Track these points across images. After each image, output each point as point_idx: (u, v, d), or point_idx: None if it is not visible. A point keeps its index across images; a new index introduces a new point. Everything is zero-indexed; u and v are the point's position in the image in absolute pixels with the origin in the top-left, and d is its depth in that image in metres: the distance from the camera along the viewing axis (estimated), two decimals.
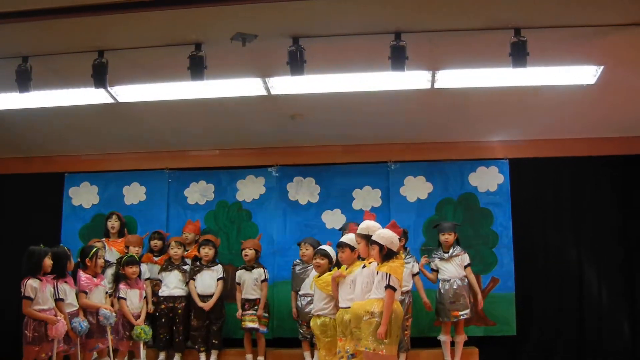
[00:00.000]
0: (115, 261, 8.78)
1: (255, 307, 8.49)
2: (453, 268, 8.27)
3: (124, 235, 9.25)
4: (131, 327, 7.95)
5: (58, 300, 7.20)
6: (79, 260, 7.86)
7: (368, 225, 6.72)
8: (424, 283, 8.36)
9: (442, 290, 8.27)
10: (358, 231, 6.79)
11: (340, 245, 7.09)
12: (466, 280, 8.27)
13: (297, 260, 8.60)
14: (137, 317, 8.06)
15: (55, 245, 7.64)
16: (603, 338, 8.88)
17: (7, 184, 10.02)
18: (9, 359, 8.76)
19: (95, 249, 7.83)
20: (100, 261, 7.84)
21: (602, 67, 6.82)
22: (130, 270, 8.15)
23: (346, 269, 6.97)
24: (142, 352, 8.04)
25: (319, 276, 7.42)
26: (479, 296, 8.29)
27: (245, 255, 8.64)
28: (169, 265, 8.76)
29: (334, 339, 7.01)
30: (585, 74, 7.00)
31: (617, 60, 6.68)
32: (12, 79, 6.41)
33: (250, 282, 8.56)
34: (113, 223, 9.26)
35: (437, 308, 8.30)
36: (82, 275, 7.67)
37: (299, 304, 8.42)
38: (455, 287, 8.21)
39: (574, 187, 9.24)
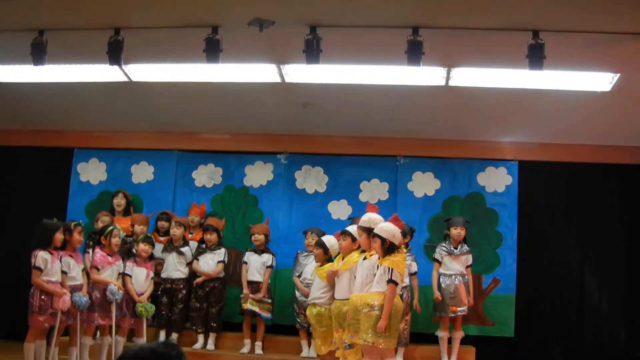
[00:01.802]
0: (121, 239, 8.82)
1: (258, 291, 8.50)
2: (457, 265, 8.28)
3: (129, 214, 9.27)
4: (134, 304, 7.96)
5: (62, 273, 7.26)
6: (92, 236, 7.91)
7: (370, 217, 6.70)
8: (421, 280, 8.36)
9: (442, 285, 8.27)
10: (360, 224, 6.77)
11: (343, 233, 7.12)
12: (466, 277, 8.29)
13: (301, 250, 8.64)
14: (141, 295, 8.06)
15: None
16: (601, 344, 8.87)
17: (17, 156, 10.03)
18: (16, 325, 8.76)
19: (111, 228, 7.90)
20: (115, 240, 7.86)
21: (618, 75, 6.79)
22: (144, 247, 8.18)
23: (343, 259, 7.00)
24: (144, 330, 8.06)
25: (321, 265, 7.44)
26: (471, 297, 8.27)
27: (256, 240, 8.65)
28: (168, 246, 8.77)
29: (330, 329, 7.04)
30: (601, 81, 6.98)
31: (634, 68, 6.65)
32: (27, 52, 6.42)
33: (257, 265, 8.57)
34: (119, 201, 9.28)
35: (436, 303, 8.30)
36: (98, 252, 7.78)
37: (297, 292, 8.47)
38: (456, 282, 8.22)
39: (582, 192, 9.22)
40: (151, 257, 8.35)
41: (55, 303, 7.05)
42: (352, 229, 7.09)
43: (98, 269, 7.72)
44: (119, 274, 7.94)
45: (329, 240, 7.53)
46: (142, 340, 7.95)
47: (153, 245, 8.36)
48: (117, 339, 7.87)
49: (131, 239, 8.76)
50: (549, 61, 5.91)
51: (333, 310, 6.93)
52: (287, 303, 8.88)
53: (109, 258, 7.81)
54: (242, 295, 8.53)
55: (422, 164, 9.31)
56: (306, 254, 8.50)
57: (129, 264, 8.14)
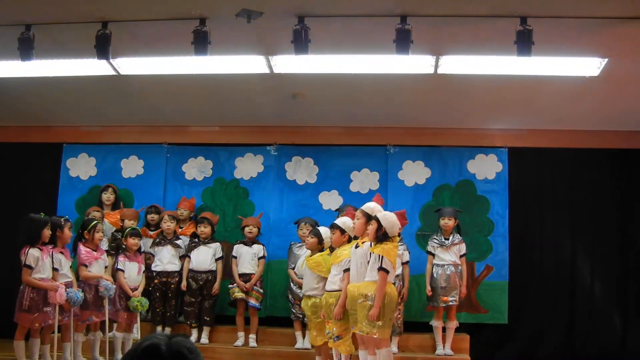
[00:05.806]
0: (110, 234, 8.79)
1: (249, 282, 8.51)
2: (449, 255, 8.29)
3: (118, 208, 9.24)
4: (127, 298, 7.93)
5: (53, 270, 7.19)
6: (79, 232, 7.86)
7: (375, 206, 6.74)
8: (412, 270, 8.40)
9: (434, 275, 8.30)
10: (363, 207, 6.80)
11: (332, 227, 7.16)
12: (459, 267, 8.30)
13: (294, 242, 8.66)
14: (135, 289, 8.03)
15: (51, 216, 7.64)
16: (593, 330, 8.91)
17: (5, 152, 9.96)
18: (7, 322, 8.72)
19: (94, 223, 7.84)
20: (98, 235, 7.81)
21: (606, 60, 6.80)
22: (133, 241, 8.14)
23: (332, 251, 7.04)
24: (137, 325, 8.04)
25: (310, 256, 7.45)
26: (463, 287, 8.27)
27: (250, 232, 8.64)
28: (162, 239, 8.75)
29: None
30: (589, 66, 6.98)
31: (622, 53, 6.65)
32: (14, 47, 6.37)
33: (248, 257, 8.58)
34: (108, 196, 9.25)
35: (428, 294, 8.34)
36: (83, 249, 7.70)
37: (291, 283, 8.47)
38: (448, 272, 8.24)
39: (572, 178, 9.24)
40: (139, 250, 8.31)
41: (51, 298, 6.97)
42: (340, 220, 7.14)
43: (86, 266, 7.67)
44: (106, 267, 7.91)
45: (325, 231, 7.54)
46: (135, 335, 7.93)
47: (140, 237, 8.32)
48: (116, 335, 7.91)
49: (121, 233, 8.73)
50: (537, 47, 5.90)
51: (322, 302, 6.98)
52: (279, 295, 8.89)
53: (94, 253, 7.76)
54: (230, 286, 8.54)
55: (412, 152, 9.32)
56: (300, 245, 8.50)
57: (120, 258, 8.12)
